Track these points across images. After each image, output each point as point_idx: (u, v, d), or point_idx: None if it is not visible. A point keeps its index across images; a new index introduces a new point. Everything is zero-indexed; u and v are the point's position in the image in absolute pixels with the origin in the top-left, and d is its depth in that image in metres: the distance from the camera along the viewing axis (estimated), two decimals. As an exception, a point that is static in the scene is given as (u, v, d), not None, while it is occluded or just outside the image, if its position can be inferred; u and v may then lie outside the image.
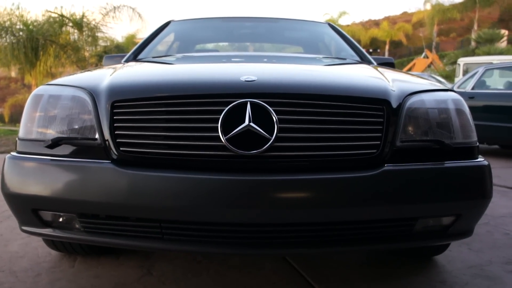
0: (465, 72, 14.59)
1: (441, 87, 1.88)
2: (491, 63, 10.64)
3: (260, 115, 1.49)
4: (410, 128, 1.65)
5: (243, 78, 1.61)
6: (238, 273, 2.12)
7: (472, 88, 7.10)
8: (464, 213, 1.67)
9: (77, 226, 1.66)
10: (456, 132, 1.70)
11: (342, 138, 1.55)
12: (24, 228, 1.74)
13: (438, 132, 1.68)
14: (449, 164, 1.63)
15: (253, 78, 1.61)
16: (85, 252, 2.26)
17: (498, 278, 2.10)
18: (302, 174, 1.50)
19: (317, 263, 2.25)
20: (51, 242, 2.17)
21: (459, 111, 1.75)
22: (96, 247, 2.27)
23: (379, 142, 1.57)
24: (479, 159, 1.72)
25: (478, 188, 1.66)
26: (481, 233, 2.79)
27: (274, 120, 1.48)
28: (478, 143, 1.77)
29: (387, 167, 1.54)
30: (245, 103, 1.49)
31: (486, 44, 26.27)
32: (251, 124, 1.47)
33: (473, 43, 29.77)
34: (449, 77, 20.17)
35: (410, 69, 24.66)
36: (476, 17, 32.24)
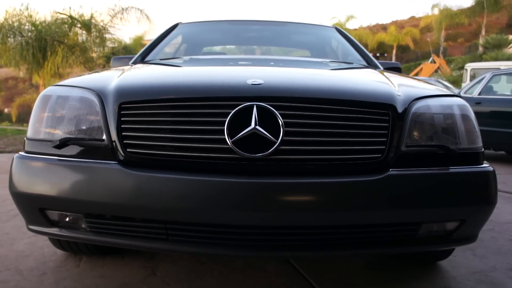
0: (472, 77, 14.54)
1: (447, 92, 1.89)
2: (499, 68, 10.61)
3: (266, 119, 1.50)
4: (415, 133, 1.65)
5: (249, 82, 1.62)
6: (241, 275, 2.13)
7: (479, 94, 7.08)
8: (468, 218, 1.67)
9: (83, 226, 1.67)
10: (461, 138, 1.70)
11: (348, 142, 1.55)
12: (31, 227, 1.76)
13: (443, 137, 1.68)
14: (454, 169, 1.64)
15: (260, 81, 1.62)
16: (91, 252, 2.28)
17: (502, 285, 2.09)
18: (307, 177, 1.50)
19: (320, 266, 2.26)
20: (57, 242, 2.19)
21: (465, 117, 1.75)
22: (101, 247, 2.28)
23: (384, 147, 1.57)
24: (484, 165, 1.72)
25: (483, 194, 1.66)
26: (486, 239, 2.78)
27: (280, 123, 1.49)
28: (483, 149, 1.77)
29: (392, 171, 1.55)
30: (251, 106, 1.50)
31: (494, 50, 26.16)
32: (257, 127, 1.48)
33: (480, 49, 29.63)
34: (456, 82, 20.10)
35: (417, 74, 24.62)
36: (484, 22, 32.09)
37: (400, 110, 1.63)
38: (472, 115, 1.78)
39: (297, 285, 2.03)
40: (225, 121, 1.49)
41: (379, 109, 1.61)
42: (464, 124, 1.73)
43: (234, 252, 1.62)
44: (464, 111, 1.76)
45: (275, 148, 1.48)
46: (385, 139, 1.58)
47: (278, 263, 2.27)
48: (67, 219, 1.70)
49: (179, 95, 1.61)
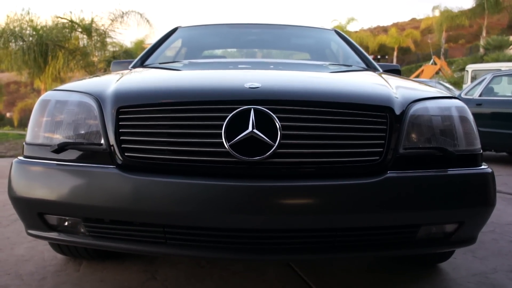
0: (473, 78, 14.50)
1: (445, 94, 1.89)
2: (500, 69, 10.59)
3: (263, 122, 1.50)
4: (413, 135, 1.65)
5: (247, 85, 1.62)
6: (241, 279, 2.12)
7: (480, 95, 7.07)
8: (467, 220, 1.67)
9: (82, 230, 1.67)
10: (460, 140, 1.70)
11: (345, 145, 1.56)
12: (30, 231, 1.76)
13: (441, 139, 1.68)
14: (452, 171, 1.63)
15: (257, 85, 1.63)
16: (90, 256, 2.28)
17: (503, 286, 2.09)
18: (305, 180, 1.51)
19: (320, 269, 2.25)
20: (57, 246, 2.19)
21: (463, 119, 1.75)
22: (101, 252, 2.28)
23: (382, 149, 1.58)
24: (482, 167, 1.72)
25: (481, 196, 1.66)
26: (486, 240, 2.77)
27: (278, 126, 1.49)
28: (482, 151, 1.77)
29: (390, 174, 1.55)
30: (248, 110, 1.51)
31: (495, 51, 26.12)
32: (255, 130, 1.48)
33: (481, 50, 29.60)
34: (458, 83, 20.05)
35: (418, 76, 24.58)
36: (485, 24, 32.09)
37: (398, 112, 1.63)
38: (470, 117, 1.77)
39: (297, 288, 2.03)
40: (223, 124, 1.50)
41: (376, 111, 1.61)
42: (462, 125, 1.73)
43: (232, 256, 1.63)
44: (462, 112, 1.76)
45: (272, 151, 1.48)
46: (383, 142, 1.58)
47: (278, 267, 2.27)
48: (66, 224, 1.70)
49: (176, 99, 1.62)
